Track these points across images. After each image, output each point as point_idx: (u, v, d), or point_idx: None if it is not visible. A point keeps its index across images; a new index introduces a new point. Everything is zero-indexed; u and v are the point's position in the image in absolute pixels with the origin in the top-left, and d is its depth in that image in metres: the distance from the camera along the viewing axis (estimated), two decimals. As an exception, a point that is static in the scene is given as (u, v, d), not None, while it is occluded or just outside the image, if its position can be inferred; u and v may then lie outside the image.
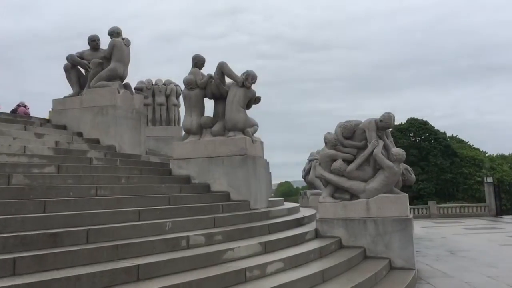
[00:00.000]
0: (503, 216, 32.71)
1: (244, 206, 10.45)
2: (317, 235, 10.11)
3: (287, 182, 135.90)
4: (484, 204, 36.57)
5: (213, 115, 11.77)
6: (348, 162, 10.31)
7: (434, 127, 62.05)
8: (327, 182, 10.48)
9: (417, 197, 50.71)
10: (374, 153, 10.00)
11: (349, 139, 10.51)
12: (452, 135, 67.10)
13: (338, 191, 10.41)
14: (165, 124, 19.19)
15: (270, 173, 13.78)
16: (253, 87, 11.26)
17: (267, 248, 7.86)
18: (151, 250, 6.32)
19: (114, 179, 8.96)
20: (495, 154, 69.58)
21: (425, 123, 61.36)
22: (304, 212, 12.62)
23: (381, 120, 10.21)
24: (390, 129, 10.65)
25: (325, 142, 10.56)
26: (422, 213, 33.95)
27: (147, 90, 19.26)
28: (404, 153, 10.01)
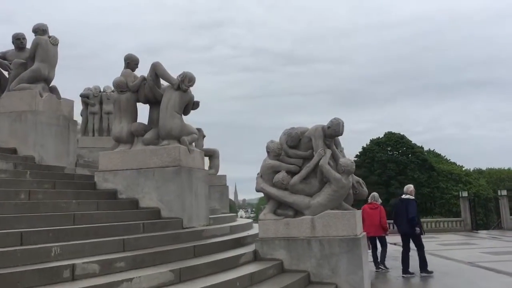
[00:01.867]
0: (478, 231, 31.83)
1: (174, 224, 9.19)
2: (256, 257, 8.89)
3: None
4: (460, 219, 35.72)
5: (148, 122, 10.55)
6: (293, 174, 9.15)
7: (411, 141, 61.55)
8: (269, 197, 9.29)
9: (394, 212, 49.63)
10: (320, 164, 8.85)
11: (294, 148, 9.36)
12: (429, 149, 66.67)
13: (281, 207, 9.22)
14: (114, 134, 17.81)
15: (229, 187, 12.48)
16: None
17: (183, 276, 6.60)
18: (15, 284, 5.03)
19: (11, 195, 7.64)
20: (471, 169, 69.14)
21: (402, 137, 60.84)
22: (255, 230, 11.36)
23: (329, 127, 9.08)
24: (339, 137, 9.49)
25: (267, 152, 9.39)
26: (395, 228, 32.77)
27: (94, 97, 17.93)
28: (353, 163, 8.88)
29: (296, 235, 8.86)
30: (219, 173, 16.48)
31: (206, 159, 13.91)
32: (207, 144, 16.25)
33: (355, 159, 62.62)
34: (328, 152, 9.01)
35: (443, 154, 67.23)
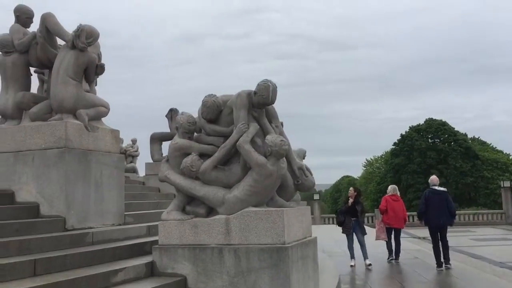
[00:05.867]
0: (521, 225, 28.37)
1: (54, 225, 6.88)
2: (153, 271, 6.47)
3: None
4: (501, 211, 32.21)
5: (46, 92, 8.28)
6: (210, 157, 6.64)
7: (453, 128, 57.27)
8: (177, 189, 6.83)
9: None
10: (237, 143, 6.32)
11: (213, 123, 6.85)
12: (473, 136, 62.03)
13: (193, 202, 6.75)
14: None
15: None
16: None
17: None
18: None
19: None
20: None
21: (443, 124, 56.75)
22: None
23: (255, 93, 6.51)
24: (272, 106, 6.87)
25: (176, 128, 6.91)
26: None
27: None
28: (284, 142, 6.26)
29: (206, 242, 6.38)
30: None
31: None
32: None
33: (393, 147, 59.05)
34: (253, 127, 6.45)
35: (489, 142, 62.47)
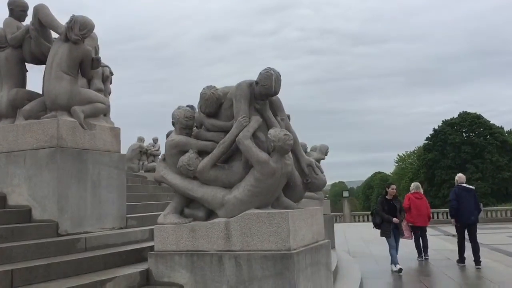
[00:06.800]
0: None
1: (44, 230, 6.42)
2: (148, 280, 5.91)
3: (341, 183, 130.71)
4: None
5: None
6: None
7: (489, 121, 55.41)
8: (175, 190, 6.25)
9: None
10: (237, 138, 5.70)
11: (213, 117, 6.25)
12: (510, 129, 59.83)
13: (192, 204, 6.16)
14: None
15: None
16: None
17: None
18: None
19: None
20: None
21: (478, 117, 54.99)
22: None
23: (257, 83, 5.87)
24: (275, 98, 6.19)
25: (173, 123, 6.33)
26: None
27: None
28: (288, 136, 5.59)
29: (205, 247, 5.78)
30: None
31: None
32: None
33: (426, 142, 57.49)
34: (255, 120, 5.82)
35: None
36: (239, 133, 5.70)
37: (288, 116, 6.48)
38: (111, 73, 14.97)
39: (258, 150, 5.56)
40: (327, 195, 37.07)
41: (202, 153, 6.05)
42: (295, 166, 6.09)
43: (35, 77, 7.99)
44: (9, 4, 7.79)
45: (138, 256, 6.48)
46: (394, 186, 11.65)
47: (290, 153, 5.80)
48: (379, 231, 11.22)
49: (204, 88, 6.19)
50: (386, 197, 11.17)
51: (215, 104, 6.14)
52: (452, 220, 11.78)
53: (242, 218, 5.59)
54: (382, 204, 11.17)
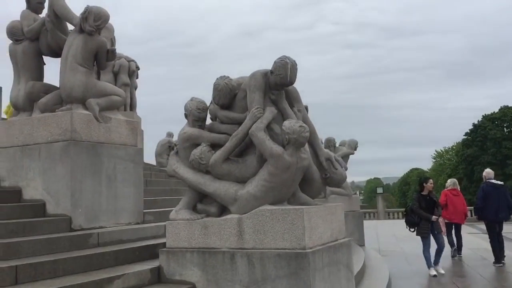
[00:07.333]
0: None
1: (57, 225, 6.29)
2: (160, 278, 5.71)
3: (376, 179, 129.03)
4: None
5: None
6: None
7: (532, 115, 53.33)
8: (188, 185, 6.02)
9: None
10: (250, 131, 5.42)
11: (227, 109, 5.99)
12: (555, 123, 57.46)
13: (205, 200, 5.92)
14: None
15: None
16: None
17: None
18: None
19: None
20: None
21: (520, 111, 52.90)
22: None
23: (272, 72, 5.57)
24: (291, 88, 5.86)
25: (185, 115, 6.10)
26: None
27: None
28: (305, 128, 5.27)
29: (217, 245, 5.53)
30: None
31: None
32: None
33: (465, 137, 55.88)
34: (269, 111, 5.52)
35: None
36: (252, 125, 5.41)
37: (306, 107, 6.14)
38: (137, 68, 14.91)
39: (272, 143, 5.27)
40: (357, 192, 36.25)
41: (215, 146, 5.80)
42: (313, 160, 5.77)
43: (52, 70, 7.88)
44: (25, -5, 7.71)
45: (152, 252, 6.27)
46: (431, 180, 10.69)
47: (306, 146, 5.50)
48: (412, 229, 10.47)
49: (217, 79, 5.93)
50: (422, 192, 10.38)
51: (228, 95, 5.87)
52: (477, 218, 11.75)
53: (255, 215, 5.31)
54: (418, 200, 10.21)
